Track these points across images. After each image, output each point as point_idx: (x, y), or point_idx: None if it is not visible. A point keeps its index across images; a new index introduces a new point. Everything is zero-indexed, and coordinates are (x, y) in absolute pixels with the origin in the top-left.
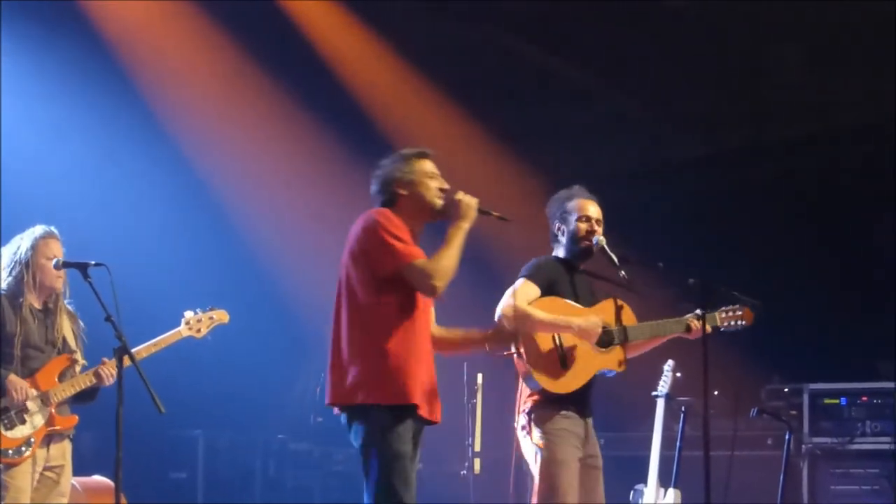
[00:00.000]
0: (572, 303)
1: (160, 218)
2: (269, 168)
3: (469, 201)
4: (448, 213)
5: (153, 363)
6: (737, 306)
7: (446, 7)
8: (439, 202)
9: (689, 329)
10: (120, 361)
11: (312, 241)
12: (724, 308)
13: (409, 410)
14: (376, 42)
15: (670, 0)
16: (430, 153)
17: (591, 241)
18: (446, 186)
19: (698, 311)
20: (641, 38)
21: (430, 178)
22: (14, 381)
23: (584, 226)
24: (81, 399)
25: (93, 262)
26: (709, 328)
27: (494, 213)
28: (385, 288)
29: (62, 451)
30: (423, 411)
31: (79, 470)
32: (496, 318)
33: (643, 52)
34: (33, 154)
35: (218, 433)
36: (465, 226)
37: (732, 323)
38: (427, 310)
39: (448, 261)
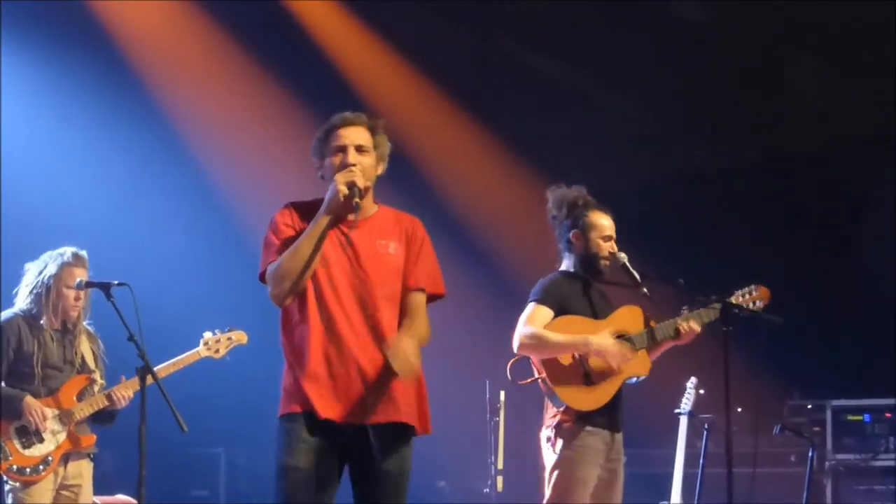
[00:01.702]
0: (588, 319)
1: (177, 235)
2: (287, 183)
3: (337, 182)
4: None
5: (175, 382)
6: (752, 287)
7: (457, 14)
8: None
9: (678, 334)
10: (143, 381)
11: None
12: (738, 293)
13: (293, 419)
14: (386, 50)
15: (682, 9)
16: (349, 119)
17: (610, 260)
18: (350, 161)
19: (685, 309)
20: (653, 48)
21: (334, 154)
22: (31, 403)
23: (606, 245)
24: (101, 421)
25: (115, 282)
26: (697, 327)
27: (356, 200)
28: None
29: (80, 470)
30: (322, 412)
31: (102, 488)
32: (514, 349)
33: (655, 62)
34: (43, 167)
35: (239, 451)
36: (324, 212)
37: (751, 305)
38: (355, 298)
39: (285, 262)
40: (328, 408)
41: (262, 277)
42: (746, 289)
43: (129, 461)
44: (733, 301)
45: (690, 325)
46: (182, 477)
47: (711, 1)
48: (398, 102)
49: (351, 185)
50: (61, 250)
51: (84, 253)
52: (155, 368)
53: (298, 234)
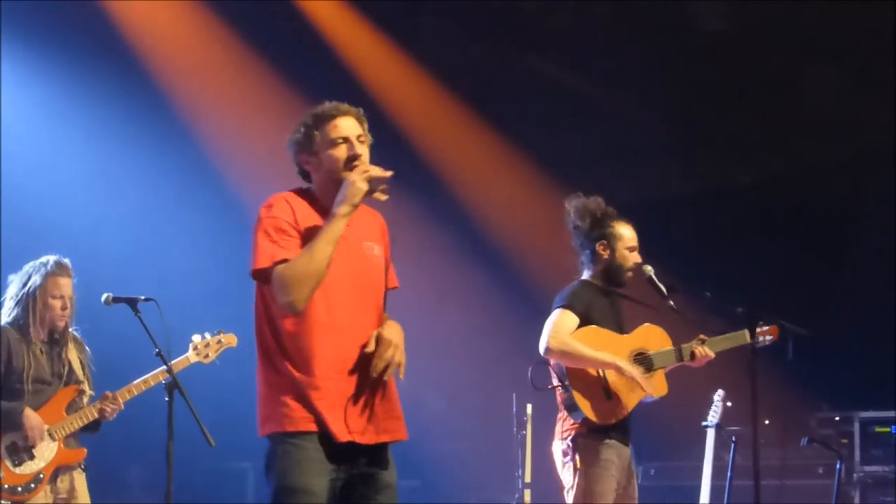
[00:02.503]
0: (612, 332)
1: (189, 242)
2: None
3: (356, 179)
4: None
5: (202, 395)
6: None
7: (483, 31)
8: (346, 176)
9: (693, 357)
10: (171, 396)
11: None
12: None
13: (304, 437)
14: (411, 65)
15: (704, 23)
16: (345, 109)
17: (634, 271)
18: (358, 152)
19: (702, 337)
20: (675, 62)
21: (336, 146)
22: (31, 417)
23: (632, 255)
24: (87, 429)
25: (142, 298)
26: (712, 353)
27: (382, 190)
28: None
29: (73, 482)
30: (341, 434)
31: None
32: (541, 352)
33: (677, 75)
34: (48, 173)
35: None
36: (341, 212)
37: (760, 339)
38: (352, 305)
39: (304, 266)
40: (343, 428)
41: (259, 274)
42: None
43: (156, 475)
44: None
45: (705, 350)
46: (210, 492)
47: (733, 14)
48: (430, 121)
49: (371, 180)
50: (43, 259)
51: (67, 261)
52: (143, 378)
53: (300, 232)
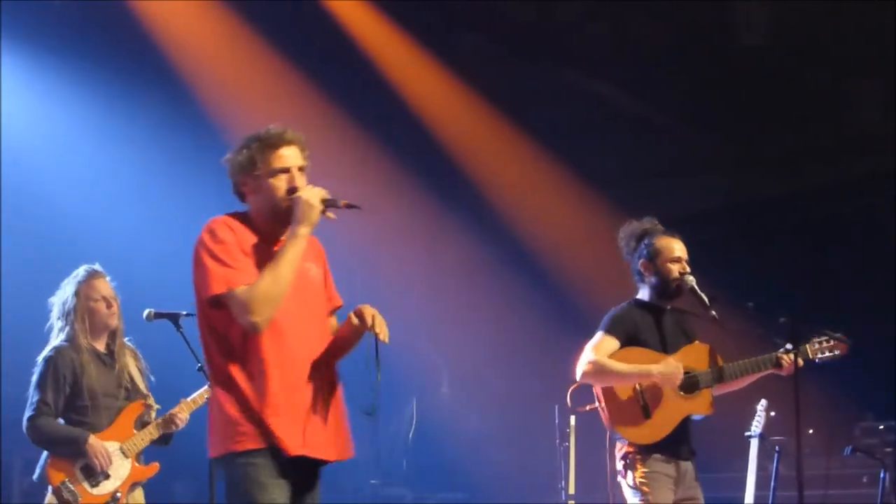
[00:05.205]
0: (654, 352)
1: None
2: (357, 220)
3: (310, 198)
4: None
5: None
6: (827, 338)
7: (531, 53)
8: (286, 205)
9: (779, 364)
10: None
11: (396, 288)
12: (815, 339)
13: (263, 455)
14: (452, 81)
15: (749, 38)
16: (290, 138)
17: (682, 281)
18: (297, 184)
19: (788, 346)
20: (720, 77)
21: (276, 176)
22: (95, 446)
23: (676, 267)
24: (158, 442)
25: (184, 313)
26: (801, 362)
27: (342, 203)
28: (222, 315)
29: (136, 498)
30: (294, 448)
31: None
32: (577, 377)
33: (723, 90)
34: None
35: None
36: (301, 232)
37: (827, 353)
38: (298, 325)
39: (268, 286)
40: (297, 443)
41: (214, 299)
42: (825, 338)
43: (200, 490)
44: (808, 348)
45: (790, 358)
46: None
47: (775, 27)
48: (460, 130)
49: (324, 200)
50: (73, 273)
51: (96, 265)
52: (197, 392)
53: (245, 254)
